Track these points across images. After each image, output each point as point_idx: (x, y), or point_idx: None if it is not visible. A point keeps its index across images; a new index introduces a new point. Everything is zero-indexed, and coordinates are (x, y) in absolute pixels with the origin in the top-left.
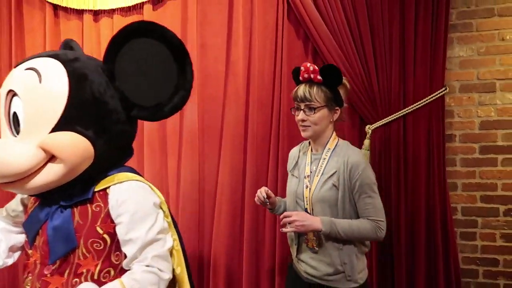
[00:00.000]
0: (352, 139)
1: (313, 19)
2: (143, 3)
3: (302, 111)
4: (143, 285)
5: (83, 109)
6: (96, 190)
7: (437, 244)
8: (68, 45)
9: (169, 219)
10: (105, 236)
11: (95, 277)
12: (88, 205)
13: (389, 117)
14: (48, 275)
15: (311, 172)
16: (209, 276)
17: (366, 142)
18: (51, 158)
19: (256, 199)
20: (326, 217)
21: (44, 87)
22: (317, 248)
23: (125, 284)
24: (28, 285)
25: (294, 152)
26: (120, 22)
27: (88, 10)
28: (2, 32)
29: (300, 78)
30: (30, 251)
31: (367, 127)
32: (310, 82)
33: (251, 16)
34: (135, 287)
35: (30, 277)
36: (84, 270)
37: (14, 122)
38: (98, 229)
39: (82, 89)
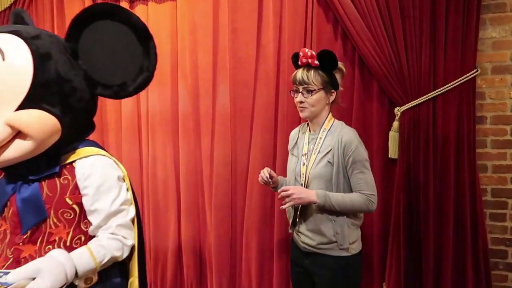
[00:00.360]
0: (381, 121)
1: (343, 2)
2: None
3: (300, 93)
4: (109, 250)
5: (49, 88)
6: (62, 164)
7: (465, 225)
8: (19, 15)
9: (130, 192)
10: (74, 206)
11: (68, 244)
12: (56, 178)
13: (419, 99)
14: (20, 244)
15: (308, 150)
16: (241, 252)
17: (395, 124)
18: (18, 134)
19: (259, 179)
20: (321, 190)
21: (8, 65)
22: (311, 218)
23: (93, 250)
24: None
25: (294, 133)
26: (155, 8)
27: None
28: (45, 20)
29: (299, 62)
30: None
31: (396, 109)
32: (308, 66)
33: (281, 1)
34: (102, 252)
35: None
36: (57, 238)
37: None
38: (68, 200)
39: (47, 68)
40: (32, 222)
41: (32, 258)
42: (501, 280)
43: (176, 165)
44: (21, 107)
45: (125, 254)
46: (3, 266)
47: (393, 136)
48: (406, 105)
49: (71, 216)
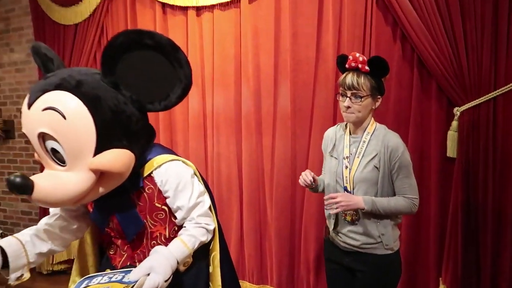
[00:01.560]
0: (439, 120)
1: (402, 6)
2: None
3: (348, 98)
4: (197, 237)
5: (110, 126)
6: (143, 177)
7: None
8: (40, 53)
9: (202, 183)
10: (164, 207)
11: (167, 236)
12: (142, 190)
13: (479, 99)
14: (131, 243)
15: (350, 153)
16: (300, 243)
17: (454, 123)
18: (101, 174)
19: (301, 181)
20: (367, 196)
21: (70, 122)
22: (357, 223)
23: (185, 240)
24: (112, 251)
25: (330, 134)
26: (220, 16)
27: (192, 6)
28: (120, 29)
29: (347, 65)
30: (106, 230)
31: (455, 109)
32: (357, 70)
33: (340, 5)
34: (192, 240)
35: (113, 246)
36: (158, 234)
37: (55, 155)
38: (157, 204)
39: (101, 110)
40: (134, 231)
41: (142, 252)
42: None
43: (239, 161)
44: (96, 152)
45: (210, 237)
46: (120, 261)
47: (452, 136)
48: (466, 105)
49: (163, 216)
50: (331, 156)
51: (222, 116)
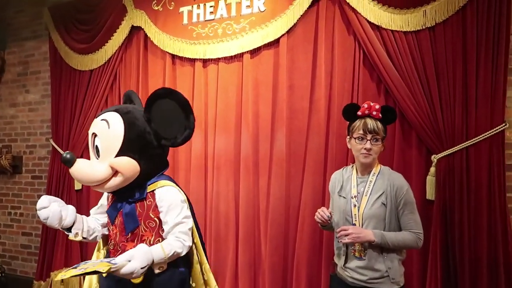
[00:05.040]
0: (419, 166)
1: (385, 65)
2: (243, 53)
3: (369, 141)
4: (174, 247)
5: (132, 143)
6: (148, 191)
7: (498, 263)
8: (129, 97)
9: (189, 210)
10: (155, 218)
11: (151, 242)
12: (144, 201)
13: (453, 148)
14: (125, 241)
15: (358, 193)
16: (292, 279)
17: (432, 169)
18: (115, 172)
19: (318, 218)
20: (377, 230)
21: (112, 130)
22: (364, 258)
23: (164, 246)
24: (111, 247)
25: (337, 176)
26: (224, 68)
27: (199, 58)
28: (132, 76)
29: (360, 112)
30: (111, 227)
31: (432, 156)
32: (369, 117)
33: (331, 62)
34: (169, 248)
35: (113, 242)
36: (146, 238)
37: (96, 151)
38: (151, 214)
39: (132, 131)
40: (131, 227)
41: None
42: None
43: (237, 200)
44: (117, 155)
45: (185, 252)
46: (116, 255)
47: (430, 180)
48: (442, 153)
49: (154, 225)
50: (340, 195)
51: (222, 158)
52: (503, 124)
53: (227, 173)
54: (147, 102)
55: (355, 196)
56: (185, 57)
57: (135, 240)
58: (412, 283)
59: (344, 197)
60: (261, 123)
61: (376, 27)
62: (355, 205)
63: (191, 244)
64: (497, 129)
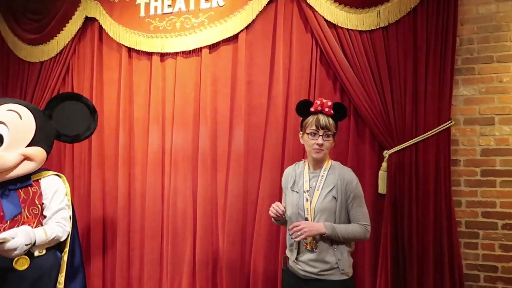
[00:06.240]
0: (372, 161)
1: (341, 63)
2: (201, 48)
3: (321, 136)
4: (55, 231)
5: (42, 136)
6: (34, 180)
7: (443, 252)
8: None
9: (70, 200)
10: (39, 205)
11: (33, 228)
12: (29, 188)
13: (403, 144)
14: (5, 227)
15: (310, 187)
16: (249, 274)
17: (384, 164)
18: (25, 159)
19: (272, 213)
20: (328, 222)
21: (24, 123)
22: (316, 250)
23: (46, 229)
24: None
25: (290, 171)
26: (182, 62)
27: (156, 52)
28: (86, 69)
29: (313, 109)
30: None
31: (384, 152)
32: (321, 113)
33: (289, 60)
34: (50, 231)
35: None
36: (28, 225)
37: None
38: (36, 201)
39: (42, 125)
40: (11, 215)
41: None
42: None
43: (194, 196)
44: (29, 145)
45: (64, 237)
46: None
47: (382, 175)
48: (393, 149)
49: (37, 211)
50: (293, 190)
51: (180, 153)
52: (449, 121)
53: (185, 169)
54: (52, 101)
55: (307, 191)
56: (142, 51)
57: (16, 226)
58: (364, 274)
59: (297, 192)
60: (220, 119)
61: (332, 26)
62: (307, 200)
63: (70, 230)
64: (444, 126)
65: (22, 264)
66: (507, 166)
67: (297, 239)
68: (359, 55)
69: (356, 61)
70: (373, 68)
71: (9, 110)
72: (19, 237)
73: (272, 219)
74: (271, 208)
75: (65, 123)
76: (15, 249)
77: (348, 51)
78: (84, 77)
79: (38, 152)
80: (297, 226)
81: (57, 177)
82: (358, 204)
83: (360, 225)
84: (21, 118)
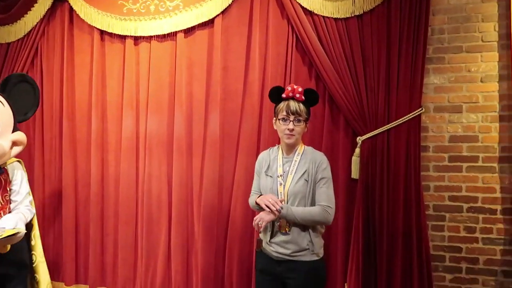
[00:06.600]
0: (346, 147)
1: (317, 50)
2: (176, 32)
3: (291, 122)
4: (28, 214)
5: (15, 120)
6: (2, 167)
7: (412, 235)
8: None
9: None
10: (9, 191)
11: (5, 214)
12: (0, 175)
13: (376, 130)
14: None
15: (284, 172)
16: (224, 259)
17: (357, 150)
18: (13, 145)
19: (268, 205)
20: (286, 204)
21: (6, 109)
22: (289, 233)
23: (25, 214)
24: None
25: (264, 156)
26: (157, 46)
27: (130, 36)
28: (56, 52)
29: (284, 95)
30: None
31: (358, 138)
32: (293, 99)
33: (266, 46)
34: (27, 215)
35: None
36: (1, 212)
37: None
38: (7, 188)
39: (13, 109)
40: None
41: None
42: (440, 280)
43: (170, 181)
44: (13, 131)
45: (31, 218)
46: None
47: (355, 160)
48: (366, 135)
49: (8, 198)
50: (267, 175)
51: (155, 139)
52: (420, 109)
53: (160, 154)
54: (5, 85)
55: (281, 175)
56: (114, 34)
57: None
58: (336, 256)
59: (271, 176)
60: (195, 104)
61: (308, 13)
62: (281, 184)
63: (35, 212)
64: (414, 113)
65: (6, 248)
66: (472, 152)
67: (261, 229)
68: (334, 43)
69: (331, 49)
70: (348, 55)
71: None
72: (21, 225)
73: (255, 206)
74: (267, 200)
75: (18, 104)
76: (21, 236)
77: (323, 39)
78: (54, 60)
79: (23, 137)
80: (255, 220)
81: (18, 163)
82: (324, 185)
83: (320, 207)
84: (3, 106)
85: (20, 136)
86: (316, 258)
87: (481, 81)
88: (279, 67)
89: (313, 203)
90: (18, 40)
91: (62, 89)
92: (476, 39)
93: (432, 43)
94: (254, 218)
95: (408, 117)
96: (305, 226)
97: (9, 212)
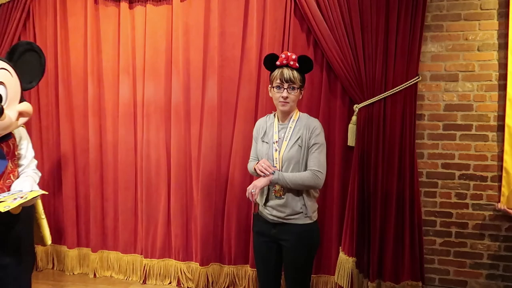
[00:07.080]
0: (342, 115)
1: (315, 16)
2: None
3: (285, 89)
4: (36, 177)
5: (21, 90)
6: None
7: (405, 199)
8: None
9: None
10: (17, 155)
11: (16, 178)
12: (9, 140)
13: (373, 98)
14: None
15: (279, 138)
16: (223, 223)
17: (354, 118)
18: (19, 115)
19: (261, 170)
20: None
21: (14, 80)
22: (283, 197)
23: (33, 177)
24: None
25: (261, 123)
26: (153, 10)
27: None
28: (48, 15)
29: (278, 62)
30: None
31: (355, 106)
32: (287, 67)
33: (263, 11)
34: (36, 177)
35: None
36: (11, 175)
37: None
38: (16, 152)
39: (19, 79)
40: (3, 168)
41: (1, 189)
42: (431, 244)
43: (168, 148)
44: (20, 102)
45: (38, 181)
46: None
47: (352, 128)
48: (363, 103)
49: (16, 162)
50: (263, 141)
51: (152, 105)
52: (417, 77)
53: (157, 121)
54: (12, 53)
55: (276, 142)
56: None
57: (2, 179)
58: (331, 221)
59: (267, 143)
60: (192, 71)
61: None
62: (276, 150)
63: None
64: (411, 82)
65: (19, 208)
66: (466, 120)
67: (256, 197)
68: (333, 9)
69: (330, 15)
70: (346, 22)
71: (2, 68)
72: (36, 187)
73: (254, 172)
74: (259, 165)
75: (25, 73)
76: (37, 198)
77: (322, 5)
78: (47, 23)
79: (29, 107)
80: (248, 190)
81: (22, 128)
82: (316, 151)
83: (311, 171)
84: (12, 76)
85: (27, 107)
86: (309, 221)
87: (478, 50)
88: (277, 33)
89: (307, 168)
90: (8, 2)
91: (57, 54)
92: (475, 6)
93: (431, 10)
94: (247, 188)
95: (405, 85)
96: (298, 190)
97: (18, 175)
